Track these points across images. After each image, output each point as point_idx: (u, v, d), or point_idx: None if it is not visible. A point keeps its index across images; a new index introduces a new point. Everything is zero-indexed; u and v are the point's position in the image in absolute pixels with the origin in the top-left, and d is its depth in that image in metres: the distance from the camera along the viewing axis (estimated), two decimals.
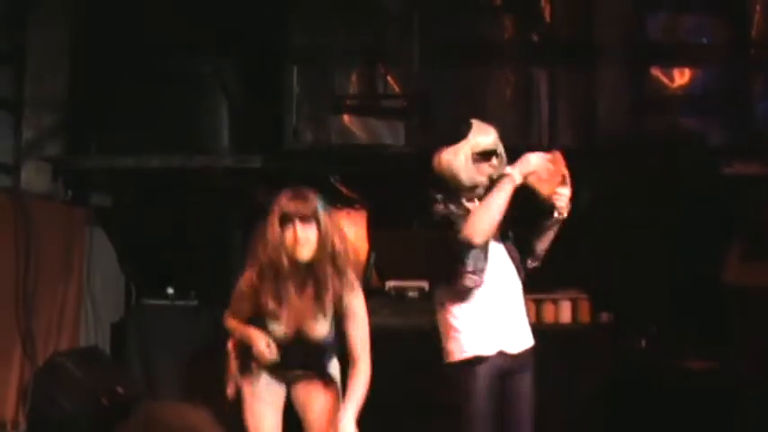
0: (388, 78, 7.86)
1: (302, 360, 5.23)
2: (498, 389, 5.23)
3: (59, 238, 7.87)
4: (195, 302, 8.13)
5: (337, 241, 5.07)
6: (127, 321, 8.23)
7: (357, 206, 8.04)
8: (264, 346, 5.12)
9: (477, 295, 5.26)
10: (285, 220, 5.01)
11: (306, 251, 5.01)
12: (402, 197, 7.37)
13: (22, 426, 7.41)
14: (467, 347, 5.27)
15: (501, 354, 5.25)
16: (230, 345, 5.39)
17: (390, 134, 7.79)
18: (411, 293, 7.75)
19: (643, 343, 7.59)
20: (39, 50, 7.98)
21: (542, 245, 5.35)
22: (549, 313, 7.57)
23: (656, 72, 7.75)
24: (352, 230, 8.04)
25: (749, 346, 6.80)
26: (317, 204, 5.07)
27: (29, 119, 7.94)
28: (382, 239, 7.99)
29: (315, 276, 5.05)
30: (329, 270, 5.03)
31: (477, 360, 5.24)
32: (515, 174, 5.13)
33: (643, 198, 7.59)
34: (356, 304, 5.14)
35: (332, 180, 7.84)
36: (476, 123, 5.40)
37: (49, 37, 8.00)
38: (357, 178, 7.91)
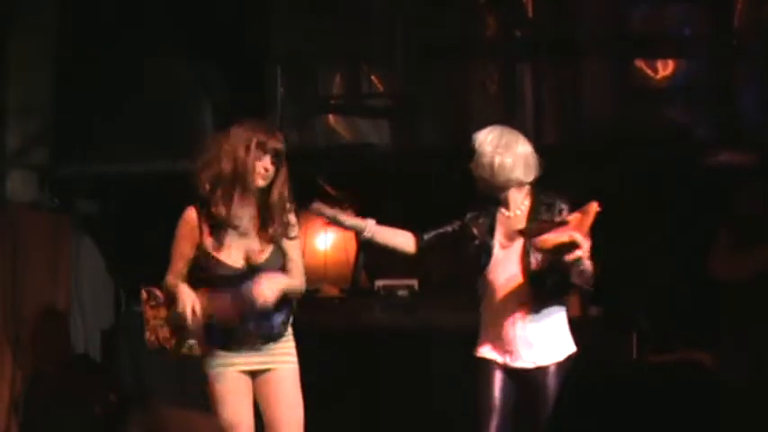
0: (372, 78, 7.86)
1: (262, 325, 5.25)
2: (512, 387, 5.22)
3: (46, 246, 7.86)
4: None
5: (287, 185, 5.23)
6: (116, 328, 8.21)
7: (344, 206, 8.03)
8: (190, 309, 5.12)
9: (487, 298, 5.27)
10: (260, 149, 5.14)
11: (265, 181, 5.16)
12: (389, 196, 7.39)
13: None
14: (480, 345, 5.30)
15: (506, 365, 5.25)
16: (144, 293, 5.33)
17: (375, 133, 7.79)
18: (401, 292, 7.75)
19: (633, 336, 7.58)
20: (22, 58, 7.96)
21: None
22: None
23: (639, 64, 7.74)
24: (340, 231, 8.02)
25: (736, 338, 6.79)
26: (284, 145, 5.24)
27: (13, 127, 7.93)
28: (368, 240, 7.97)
29: (267, 208, 5.20)
30: (280, 207, 5.19)
31: (485, 361, 5.25)
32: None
33: (630, 191, 7.59)
34: (294, 234, 5.28)
35: (318, 180, 7.83)
36: None
37: (32, 44, 7.99)
38: (343, 178, 7.91)
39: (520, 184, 5.30)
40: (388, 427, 6.89)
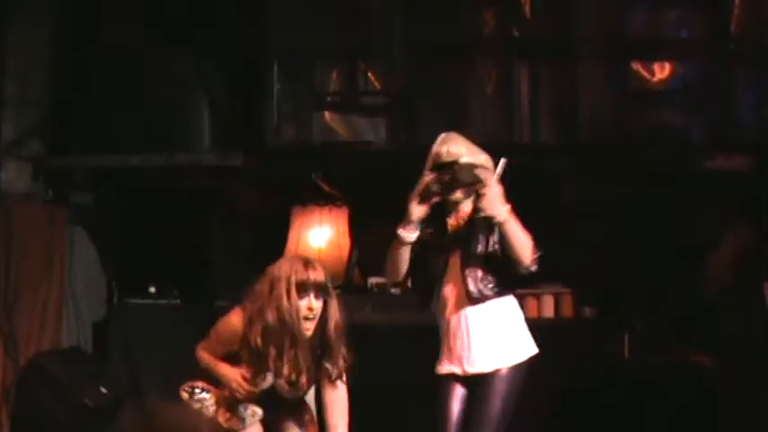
0: (369, 75, 7.86)
1: (282, 402, 5.24)
2: (470, 399, 5.22)
3: (40, 237, 7.84)
4: (177, 301, 8.11)
5: (338, 314, 5.10)
6: (109, 320, 8.20)
7: (339, 203, 8.03)
8: (240, 379, 5.10)
9: (440, 309, 5.28)
10: (301, 289, 5.01)
11: (313, 324, 5.05)
12: (384, 194, 7.39)
13: (6, 427, 7.40)
14: (439, 362, 5.30)
15: (454, 375, 5.25)
16: (184, 393, 5.29)
17: (372, 131, 7.79)
18: (393, 290, 7.75)
19: (626, 338, 7.60)
20: (18, 50, 7.95)
21: (509, 250, 5.24)
22: (531, 308, 7.57)
23: (636, 67, 7.75)
24: (335, 228, 8.03)
25: (730, 342, 6.82)
26: (326, 274, 5.09)
27: (8, 118, 7.92)
28: (364, 236, 7.98)
29: (324, 344, 5.09)
30: (337, 338, 5.08)
31: (443, 377, 5.26)
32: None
33: (625, 193, 7.60)
34: (342, 380, 5.19)
35: (314, 177, 7.83)
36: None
37: (28, 36, 7.98)
38: (339, 175, 7.91)
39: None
40: (380, 425, 6.89)
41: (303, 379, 5.11)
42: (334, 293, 5.09)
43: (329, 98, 7.88)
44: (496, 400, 5.14)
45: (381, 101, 7.81)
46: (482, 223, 5.18)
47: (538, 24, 7.82)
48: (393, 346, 7.24)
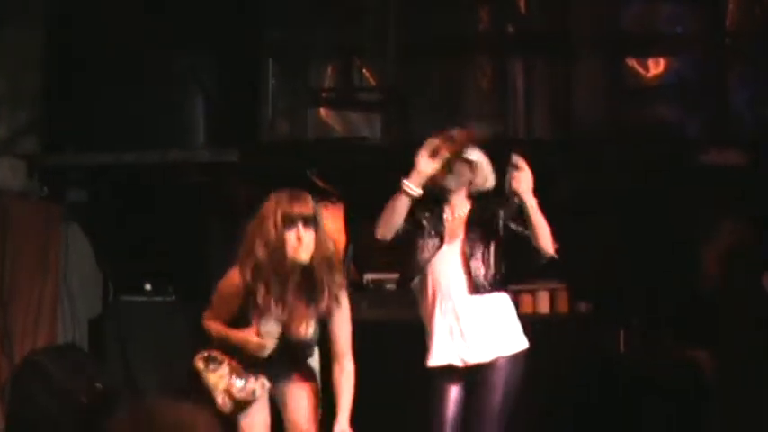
0: (364, 71, 7.86)
1: (288, 358, 5.20)
2: (461, 398, 5.22)
3: (35, 235, 7.84)
4: (173, 298, 8.11)
5: (330, 242, 5.09)
6: (104, 318, 8.20)
7: (334, 199, 8.03)
8: (257, 338, 5.07)
9: (429, 297, 5.27)
10: (287, 221, 4.95)
11: (306, 253, 4.97)
12: (379, 190, 7.38)
13: (1, 424, 7.39)
14: (429, 353, 5.29)
15: (451, 367, 5.24)
16: (199, 363, 5.27)
17: (367, 127, 7.80)
18: (389, 286, 7.75)
19: (621, 333, 7.60)
20: (12, 47, 7.93)
21: (534, 238, 5.28)
22: (527, 304, 7.57)
23: (631, 62, 7.76)
24: (330, 224, 8.02)
25: (729, 337, 6.82)
26: (315, 205, 5.06)
27: (3, 116, 7.90)
28: (360, 232, 7.97)
29: (311, 278, 5.02)
30: (325, 271, 5.01)
31: (437, 370, 5.25)
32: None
33: (620, 188, 7.60)
34: (344, 303, 5.12)
35: (308, 173, 7.82)
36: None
37: (22, 33, 7.96)
38: (334, 171, 7.90)
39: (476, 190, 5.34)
40: (376, 421, 6.88)
41: (296, 318, 5.07)
42: (322, 225, 5.05)
43: (324, 94, 7.89)
44: (497, 391, 5.16)
45: (376, 96, 7.81)
46: (485, 216, 5.22)
47: (533, 20, 7.83)
48: (389, 343, 7.24)
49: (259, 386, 5.15)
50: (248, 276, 4.99)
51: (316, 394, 5.27)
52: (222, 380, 5.15)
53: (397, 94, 7.71)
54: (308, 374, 5.30)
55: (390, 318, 7.45)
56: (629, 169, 7.55)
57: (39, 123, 8.05)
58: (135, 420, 3.26)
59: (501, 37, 7.84)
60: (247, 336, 5.08)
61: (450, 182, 5.34)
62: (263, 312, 5.03)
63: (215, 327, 5.23)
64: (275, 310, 5.02)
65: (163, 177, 7.97)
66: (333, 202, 8.04)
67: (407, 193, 5.23)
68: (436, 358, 5.28)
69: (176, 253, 8.12)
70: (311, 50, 7.89)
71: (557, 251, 5.27)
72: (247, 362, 5.16)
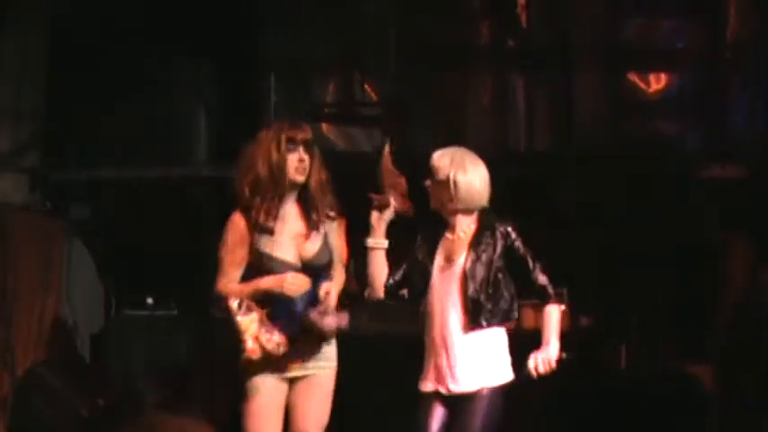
0: (366, 86, 7.88)
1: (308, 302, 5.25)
2: (450, 418, 5.20)
3: (38, 249, 7.85)
4: (175, 312, 8.11)
5: (324, 167, 5.35)
6: (107, 332, 8.20)
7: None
8: (289, 277, 5.17)
9: (427, 324, 5.26)
10: (290, 143, 5.21)
11: (304, 175, 5.25)
12: None
13: None
14: (422, 378, 5.28)
15: (438, 393, 5.23)
16: (233, 303, 5.27)
17: (368, 141, 7.81)
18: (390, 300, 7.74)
19: (623, 348, 7.60)
20: (14, 62, 7.96)
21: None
22: (528, 319, 7.54)
23: (632, 77, 7.77)
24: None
25: (726, 352, 6.84)
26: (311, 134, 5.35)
27: (5, 130, 7.92)
28: (361, 247, 7.98)
29: (306, 197, 5.30)
30: (319, 192, 5.32)
31: (425, 395, 5.24)
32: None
33: (620, 202, 7.61)
34: (336, 223, 5.49)
35: None
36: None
37: (24, 48, 7.98)
38: (335, 185, 7.90)
39: (474, 209, 5.26)
40: None
41: (299, 236, 5.26)
42: (318, 151, 5.32)
43: (325, 109, 7.91)
44: (477, 419, 5.12)
45: (377, 111, 7.83)
46: (486, 248, 5.16)
47: (533, 34, 7.85)
48: (390, 357, 7.24)
49: (283, 343, 5.17)
50: (246, 192, 5.21)
51: (328, 398, 5.30)
52: (253, 324, 5.17)
53: (398, 108, 7.72)
54: (324, 374, 5.32)
55: (391, 331, 7.45)
56: (629, 183, 7.55)
57: (41, 138, 8.06)
58: None
59: (502, 51, 7.86)
60: (278, 277, 5.17)
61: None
62: (264, 229, 5.19)
63: (236, 288, 5.27)
64: (278, 226, 5.20)
65: (165, 192, 7.98)
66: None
67: (373, 248, 5.32)
68: (425, 383, 5.26)
69: (179, 268, 8.13)
70: (312, 65, 7.91)
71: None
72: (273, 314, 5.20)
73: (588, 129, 7.67)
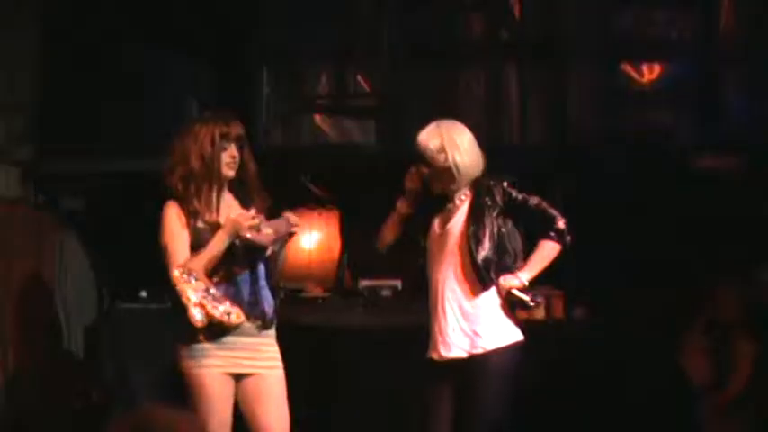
0: (359, 78, 7.87)
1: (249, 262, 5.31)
2: (451, 384, 5.21)
3: (30, 242, 7.83)
4: (168, 305, 8.07)
5: (252, 159, 5.41)
6: (100, 325, 8.18)
7: (329, 206, 8.03)
8: (235, 216, 5.23)
9: (427, 294, 5.29)
10: (224, 139, 5.27)
11: (233, 170, 5.32)
12: (374, 196, 7.39)
13: None
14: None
15: (433, 360, 5.24)
16: (175, 272, 5.27)
17: (361, 133, 7.81)
18: (384, 292, 7.74)
19: (617, 338, 7.60)
20: (6, 54, 7.93)
21: None
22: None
23: (626, 68, 7.77)
24: (325, 231, 8.02)
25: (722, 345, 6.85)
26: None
27: None
28: (354, 239, 7.98)
29: (244, 188, 5.38)
30: (253, 182, 5.37)
31: (427, 361, 5.25)
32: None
33: (615, 193, 7.61)
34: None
35: (303, 180, 7.83)
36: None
37: (16, 41, 7.96)
38: (328, 178, 7.91)
39: (474, 177, 5.32)
40: (371, 427, 6.90)
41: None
42: (248, 144, 5.40)
43: (318, 101, 7.90)
44: (488, 382, 5.14)
45: (370, 103, 7.82)
46: (486, 209, 5.20)
47: (527, 26, 7.84)
48: (384, 349, 7.24)
49: (234, 314, 5.16)
50: (179, 185, 5.33)
51: (284, 393, 5.32)
52: (197, 293, 5.17)
53: (391, 100, 7.71)
54: (274, 369, 5.31)
55: (385, 324, 7.45)
56: (624, 175, 7.55)
57: (33, 131, 8.04)
58: (130, 427, 3.26)
59: (495, 43, 7.85)
60: (225, 224, 5.20)
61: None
62: (202, 217, 5.26)
63: (193, 260, 5.28)
64: (212, 216, 5.25)
65: (158, 184, 7.96)
66: (327, 209, 8.04)
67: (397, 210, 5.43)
68: (429, 353, 5.28)
69: None
70: (306, 57, 7.89)
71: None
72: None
73: (582, 120, 7.67)
